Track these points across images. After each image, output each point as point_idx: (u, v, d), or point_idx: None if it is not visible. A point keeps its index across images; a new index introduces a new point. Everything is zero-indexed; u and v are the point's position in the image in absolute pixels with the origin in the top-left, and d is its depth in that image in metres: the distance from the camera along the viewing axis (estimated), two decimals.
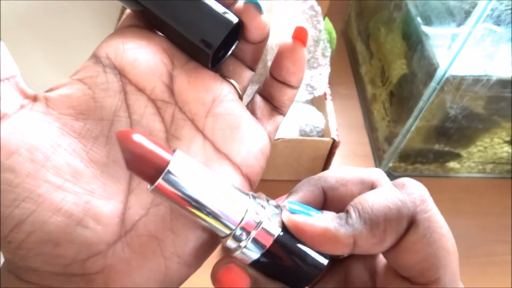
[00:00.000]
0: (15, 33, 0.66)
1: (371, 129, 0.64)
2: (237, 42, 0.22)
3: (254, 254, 0.19)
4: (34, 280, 0.18)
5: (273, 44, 0.51)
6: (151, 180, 0.18)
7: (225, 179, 0.20)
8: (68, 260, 0.18)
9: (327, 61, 0.53)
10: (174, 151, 0.18)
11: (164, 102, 0.21)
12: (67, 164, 0.18)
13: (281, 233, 0.19)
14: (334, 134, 0.51)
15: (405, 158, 0.58)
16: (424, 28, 0.51)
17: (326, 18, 0.59)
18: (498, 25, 0.45)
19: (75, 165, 0.19)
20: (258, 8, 0.21)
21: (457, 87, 0.48)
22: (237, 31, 0.22)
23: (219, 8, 0.21)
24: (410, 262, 0.18)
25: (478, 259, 0.52)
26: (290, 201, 0.20)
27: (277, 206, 0.20)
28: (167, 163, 0.17)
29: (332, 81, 0.55)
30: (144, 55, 0.21)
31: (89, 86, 0.20)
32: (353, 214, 0.19)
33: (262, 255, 0.19)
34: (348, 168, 0.22)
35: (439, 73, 0.46)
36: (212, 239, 0.21)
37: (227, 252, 0.20)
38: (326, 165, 0.55)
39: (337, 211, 0.20)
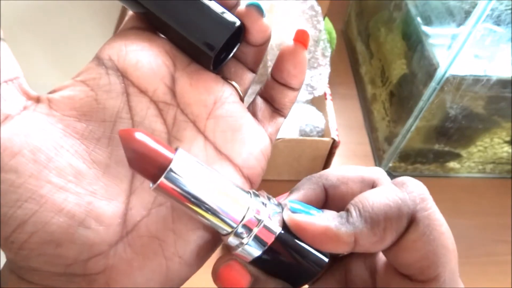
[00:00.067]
0: (15, 33, 0.66)
1: (371, 129, 0.64)
2: (238, 44, 0.22)
3: (255, 251, 0.19)
4: (35, 280, 0.18)
5: (273, 44, 0.51)
6: (154, 178, 0.18)
7: (227, 177, 0.20)
8: (70, 261, 0.18)
9: (327, 61, 0.53)
10: (176, 149, 0.18)
11: (166, 104, 0.21)
12: (70, 165, 0.18)
13: (282, 231, 0.19)
14: (334, 134, 0.52)
15: (405, 158, 0.58)
16: (424, 28, 0.51)
17: (326, 18, 0.59)
18: (498, 25, 0.45)
19: (77, 166, 0.19)
20: (260, 11, 0.21)
21: (457, 87, 0.48)
22: (239, 34, 0.22)
23: (221, 11, 0.21)
24: (410, 260, 0.19)
25: (478, 259, 0.52)
26: (291, 200, 0.20)
27: (278, 204, 0.20)
28: (170, 161, 0.18)
29: (332, 81, 0.55)
30: (147, 57, 0.21)
31: (92, 88, 0.20)
32: (354, 213, 0.19)
33: (263, 252, 0.19)
34: (349, 166, 0.22)
35: (439, 73, 0.46)
36: (213, 240, 0.21)
37: (228, 250, 0.20)
38: (326, 165, 0.55)
39: (338, 209, 0.20)
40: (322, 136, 0.54)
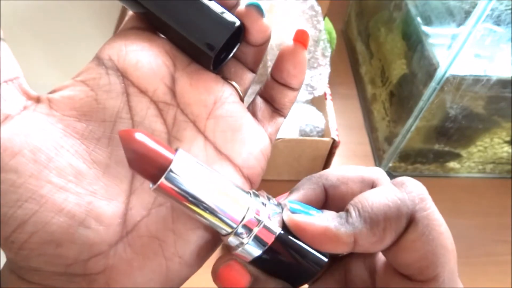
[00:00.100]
0: (15, 33, 0.66)
1: (371, 129, 0.64)
2: (238, 44, 0.22)
3: (255, 251, 0.19)
4: (36, 280, 0.18)
5: (273, 44, 0.51)
6: (154, 179, 0.18)
7: (227, 177, 0.20)
8: (70, 260, 0.18)
9: (327, 61, 0.53)
10: (176, 150, 0.18)
11: (166, 104, 0.21)
12: (70, 165, 0.19)
13: (282, 231, 0.19)
14: (334, 134, 0.52)
15: (405, 158, 0.58)
16: (424, 28, 0.51)
17: (326, 18, 0.59)
18: (498, 25, 0.45)
19: (77, 166, 0.19)
20: (260, 11, 0.21)
21: (457, 87, 0.48)
22: (239, 34, 0.22)
23: (221, 11, 0.21)
24: (409, 260, 0.19)
25: (478, 259, 0.52)
26: (290, 201, 0.20)
27: (278, 204, 0.20)
28: (170, 162, 0.18)
29: (332, 81, 0.55)
30: (147, 57, 0.21)
31: (92, 88, 0.20)
32: (353, 213, 0.19)
33: (263, 252, 0.19)
34: (349, 166, 0.22)
35: (439, 73, 0.46)
36: (213, 240, 0.21)
37: (228, 250, 0.20)
38: (326, 165, 0.55)
39: (338, 209, 0.20)
40: (322, 136, 0.54)
